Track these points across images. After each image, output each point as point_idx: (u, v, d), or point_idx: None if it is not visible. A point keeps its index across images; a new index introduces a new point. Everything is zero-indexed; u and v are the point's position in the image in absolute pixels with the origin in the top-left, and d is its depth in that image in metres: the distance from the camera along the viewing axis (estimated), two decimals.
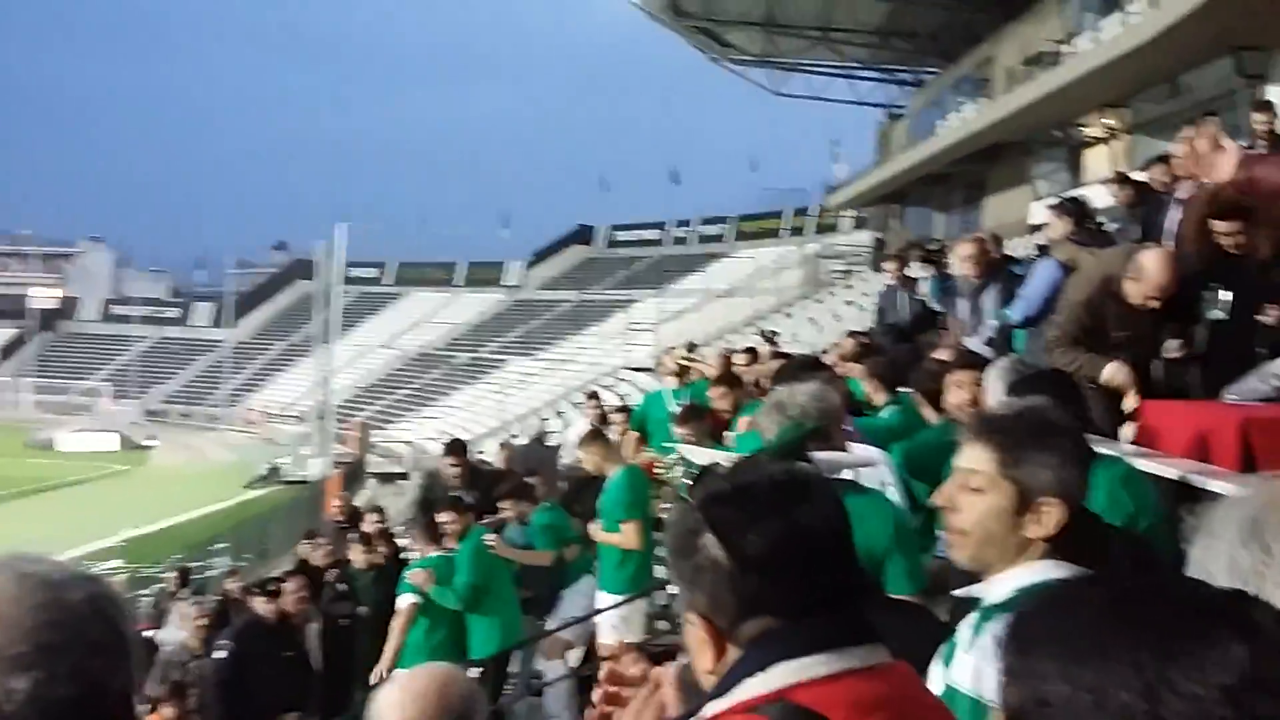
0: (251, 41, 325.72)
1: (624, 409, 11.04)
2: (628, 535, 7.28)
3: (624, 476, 7.44)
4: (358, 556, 9.09)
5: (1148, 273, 4.45)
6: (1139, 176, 9.14)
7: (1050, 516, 2.04)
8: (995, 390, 3.66)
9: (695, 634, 1.44)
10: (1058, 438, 2.09)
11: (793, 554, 1.37)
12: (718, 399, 8.05)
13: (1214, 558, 1.21)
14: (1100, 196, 15.55)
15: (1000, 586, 2.05)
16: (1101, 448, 3.15)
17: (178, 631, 10.51)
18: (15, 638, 1.01)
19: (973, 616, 2.08)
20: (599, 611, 7.44)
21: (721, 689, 1.40)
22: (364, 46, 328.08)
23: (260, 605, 6.84)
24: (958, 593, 2.11)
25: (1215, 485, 2.97)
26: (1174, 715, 0.72)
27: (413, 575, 7.64)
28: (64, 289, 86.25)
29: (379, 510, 10.65)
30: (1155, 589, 0.84)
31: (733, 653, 1.41)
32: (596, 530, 7.50)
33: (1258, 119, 8.18)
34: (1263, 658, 0.73)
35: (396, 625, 7.56)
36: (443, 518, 7.92)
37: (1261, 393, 3.43)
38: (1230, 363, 4.22)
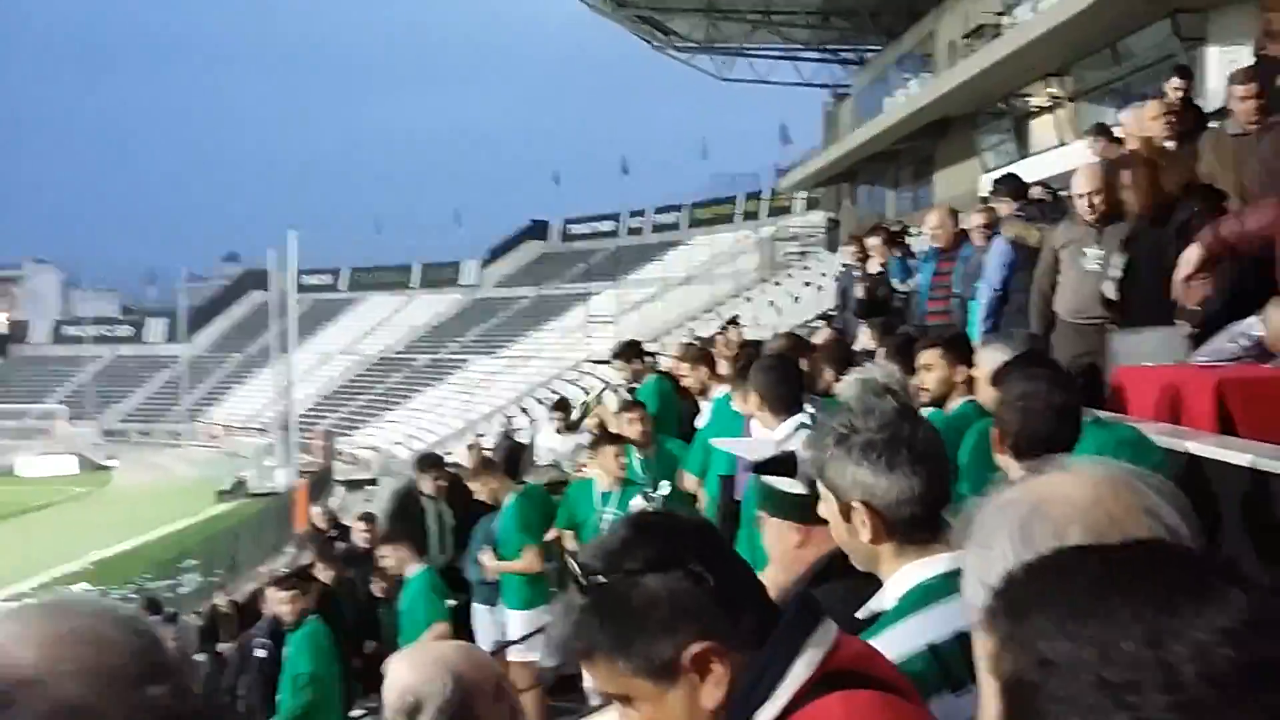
0: (194, 52, 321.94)
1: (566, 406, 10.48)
2: (528, 560, 7.29)
3: (516, 503, 7.43)
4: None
5: (1077, 184, 5.14)
6: (1119, 132, 9.01)
7: (861, 519, 1.87)
8: (990, 362, 3.67)
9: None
10: (859, 436, 1.88)
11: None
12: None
13: (988, 569, 1.11)
14: (1045, 166, 15.77)
15: (885, 597, 1.89)
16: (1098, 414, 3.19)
17: None
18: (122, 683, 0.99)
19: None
20: (532, 634, 7.21)
21: (759, 692, 1.33)
22: (310, 53, 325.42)
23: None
24: (860, 614, 1.89)
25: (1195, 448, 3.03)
26: (1178, 659, 0.74)
27: None
28: (12, 313, 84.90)
29: (369, 518, 10.45)
30: (1145, 551, 0.86)
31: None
32: (491, 560, 7.44)
33: (1174, 84, 7.91)
34: (1259, 602, 0.76)
35: None
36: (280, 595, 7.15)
37: (1231, 353, 3.49)
38: (1149, 323, 4.39)
